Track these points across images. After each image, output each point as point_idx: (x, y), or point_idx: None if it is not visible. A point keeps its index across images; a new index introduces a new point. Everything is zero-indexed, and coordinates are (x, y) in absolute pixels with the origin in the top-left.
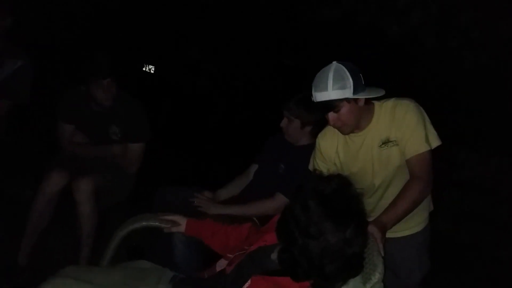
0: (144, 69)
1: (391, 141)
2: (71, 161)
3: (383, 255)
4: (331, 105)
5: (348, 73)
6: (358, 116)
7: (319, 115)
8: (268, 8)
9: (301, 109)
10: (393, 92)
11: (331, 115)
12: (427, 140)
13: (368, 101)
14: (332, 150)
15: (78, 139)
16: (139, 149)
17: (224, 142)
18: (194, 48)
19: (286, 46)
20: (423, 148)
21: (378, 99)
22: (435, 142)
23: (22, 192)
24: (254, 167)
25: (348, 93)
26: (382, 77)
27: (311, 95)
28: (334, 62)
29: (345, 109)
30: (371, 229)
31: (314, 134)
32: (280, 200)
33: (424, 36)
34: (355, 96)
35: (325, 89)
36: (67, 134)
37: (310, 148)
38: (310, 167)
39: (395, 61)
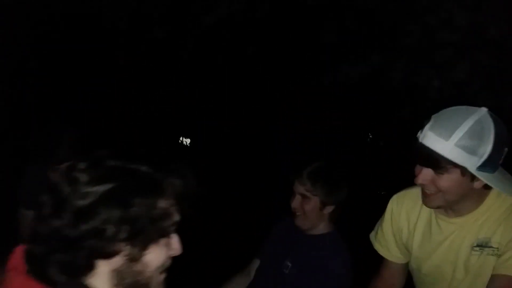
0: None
1: (490, 247)
2: None
3: None
4: (436, 161)
5: (492, 137)
6: (463, 196)
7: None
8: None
9: (319, 184)
10: None
11: (426, 171)
12: None
13: (487, 185)
14: (405, 223)
15: None
16: None
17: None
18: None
19: (308, 113)
20: None
21: None
22: None
23: None
24: (255, 263)
25: (472, 162)
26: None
27: (328, 167)
28: (485, 109)
29: (452, 177)
30: None
31: (334, 220)
32: None
33: (473, 93)
34: (477, 174)
35: (446, 137)
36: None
37: (327, 238)
38: (373, 237)
39: None
